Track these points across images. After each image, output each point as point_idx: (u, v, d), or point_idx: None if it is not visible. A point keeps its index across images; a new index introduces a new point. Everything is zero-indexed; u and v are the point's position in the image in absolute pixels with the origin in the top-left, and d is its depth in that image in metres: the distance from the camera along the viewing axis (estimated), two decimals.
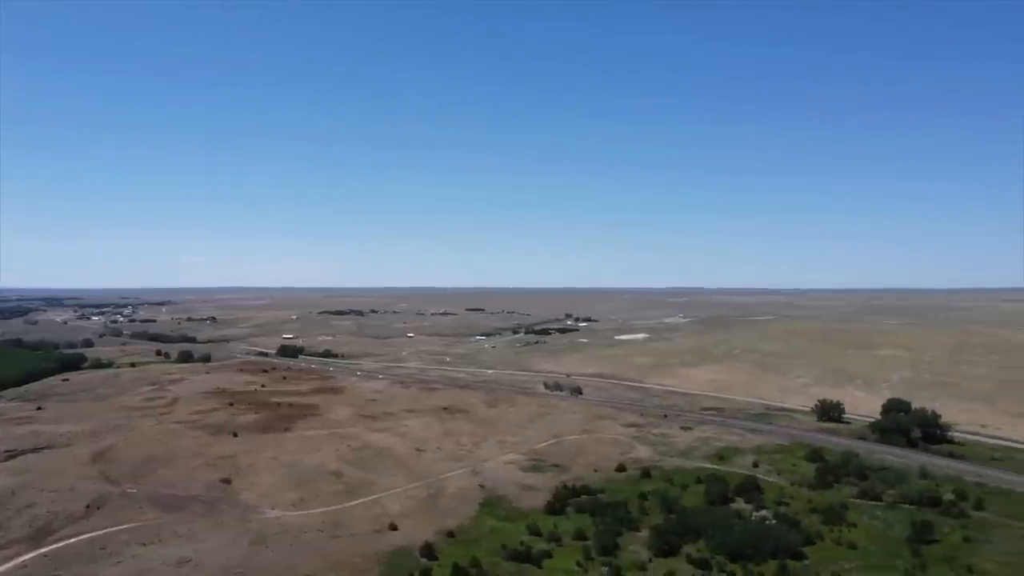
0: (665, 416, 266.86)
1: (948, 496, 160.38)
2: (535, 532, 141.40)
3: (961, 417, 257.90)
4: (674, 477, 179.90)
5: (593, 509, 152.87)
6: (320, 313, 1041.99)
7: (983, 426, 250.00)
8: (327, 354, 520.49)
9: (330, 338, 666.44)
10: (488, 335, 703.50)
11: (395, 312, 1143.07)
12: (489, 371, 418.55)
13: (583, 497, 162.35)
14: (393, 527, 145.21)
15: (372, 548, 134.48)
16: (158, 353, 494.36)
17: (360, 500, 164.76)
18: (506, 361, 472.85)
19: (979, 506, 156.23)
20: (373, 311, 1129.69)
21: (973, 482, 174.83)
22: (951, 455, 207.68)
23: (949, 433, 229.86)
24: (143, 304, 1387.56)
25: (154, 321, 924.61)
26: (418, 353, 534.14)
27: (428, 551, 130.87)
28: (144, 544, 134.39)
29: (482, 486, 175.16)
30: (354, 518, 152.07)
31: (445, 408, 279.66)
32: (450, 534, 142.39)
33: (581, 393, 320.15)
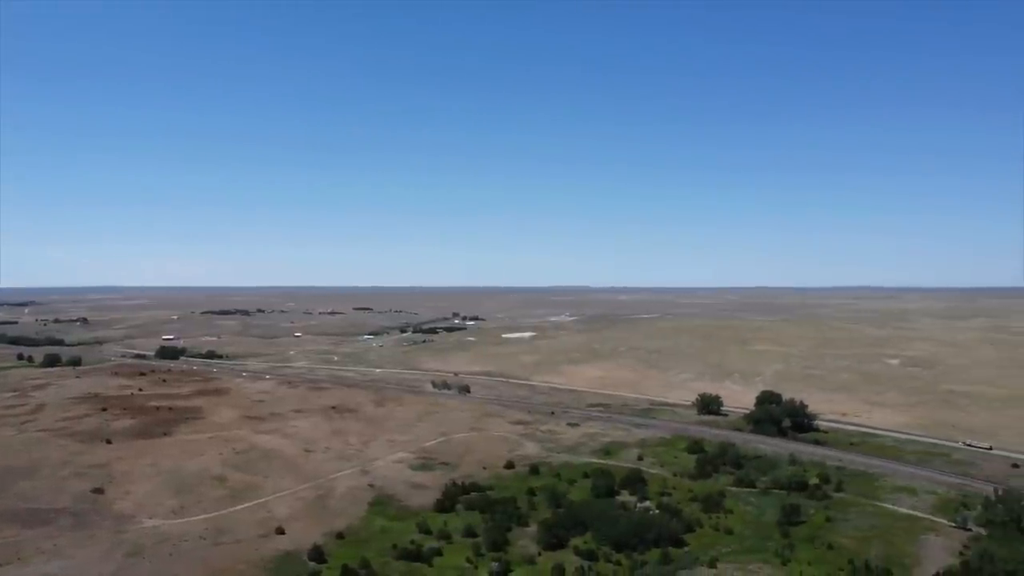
0: (552, 413, 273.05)
1: (813, 480, 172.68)
2: (425, 530, 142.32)
3: (825, 406, 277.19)
4: (562, 472, 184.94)
5: (482, 506, 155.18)
6: (203, 313, 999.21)
7: (843, 414, 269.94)
8: (211, 355, 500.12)
9: (214, 339, 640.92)
10: (376, 334, 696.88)
11: (282, 311, 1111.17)
12: (377, 370, 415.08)
13: (472, 494, 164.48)
14: (280, 531, 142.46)
15: (258, 553, 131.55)
16: (20, 357, 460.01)
17: (245, 504, 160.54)
18: (394, 360, 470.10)
19: (839, 488, 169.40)
20: (260, 310, 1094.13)
21: (835, 466, 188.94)
22: (816, 442, 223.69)
23: (815, 422, 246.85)
24: (0, 305, 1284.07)
25: (15, 323, 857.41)
26: (305, 352, 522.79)
27: (317, 554, 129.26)
28: None
29: (372, 485, 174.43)
30: (239, 523, 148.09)
31: (334, 407, 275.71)
32: (339, 535, 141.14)
33: (469, 391, 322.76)
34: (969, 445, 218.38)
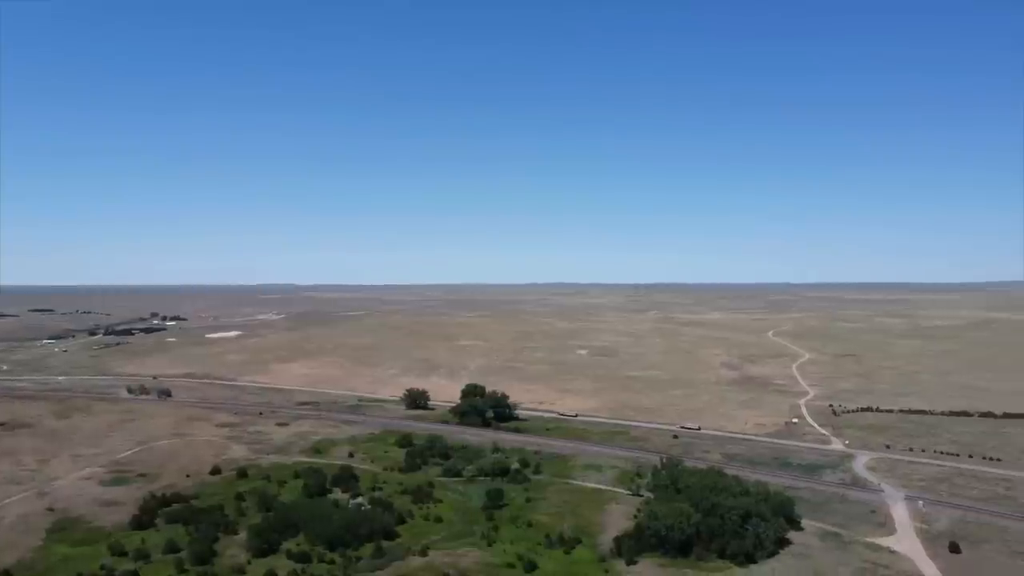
0: (261, 413, 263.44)
1: (515, 465, 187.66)
2: (119, 552, 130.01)
3: (525, 396, 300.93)
4: (272, 474, 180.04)
5: (186, 517, 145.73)
6: None
7: (540, 402, 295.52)
8: None
9: None
10: (59, 338, 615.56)
11: None
12: (60, 378, 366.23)
13: (175, 506, 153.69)
14: None
15: None
16: None
17: None
18: (81, 365, 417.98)
19: (537, 470, 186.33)
20: None
21: (533, 451, 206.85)
22: (517, 430, 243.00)
23: (516, 411, 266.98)
24: None
25: None
26: None
27: None
28: None
29: (51, 509, 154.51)
30: None
31: (2, 424, 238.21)
32: (6, 573, 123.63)
33: (170, 395, 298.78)
34: (684, 428, 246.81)
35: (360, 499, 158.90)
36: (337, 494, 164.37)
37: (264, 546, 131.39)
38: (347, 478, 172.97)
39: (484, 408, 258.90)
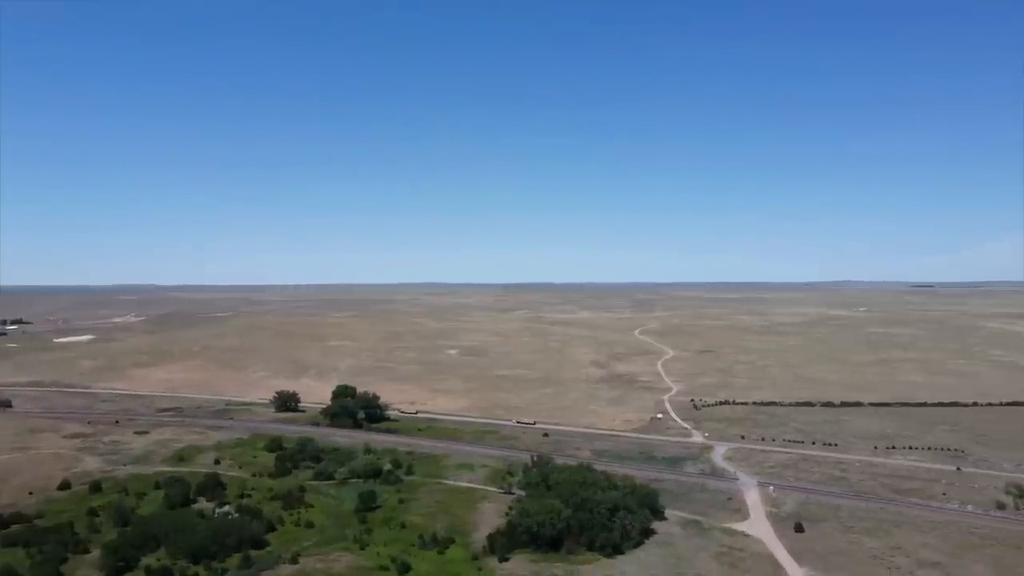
0: (117, 422, 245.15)
1: (387, 466, 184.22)
2: None
3: (397, 396, 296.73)
4: (129, 486, 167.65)
5: (28, 539, 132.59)
6: None
7: (412, 402, 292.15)
8: None
9: None
10: None
11: None
12: None
13: (14, 527, 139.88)
14: None
15: None
16: None
17: None
18: None
19: (410, 471, 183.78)
20: None
21: (405, 451, 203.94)
22: (389, 430, 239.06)
23: (388, 411, 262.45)
24: None
25: None
26: None
27: None
28: None
29: None
30: None
31: None
32: None
33: (11, 406, 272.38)
34: (520, 423, 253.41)
35: (227, 507, 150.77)
36: (202, 504, 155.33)
37: (120, 564, 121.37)
38: (213, 486, 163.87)
39: (355, 409, 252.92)
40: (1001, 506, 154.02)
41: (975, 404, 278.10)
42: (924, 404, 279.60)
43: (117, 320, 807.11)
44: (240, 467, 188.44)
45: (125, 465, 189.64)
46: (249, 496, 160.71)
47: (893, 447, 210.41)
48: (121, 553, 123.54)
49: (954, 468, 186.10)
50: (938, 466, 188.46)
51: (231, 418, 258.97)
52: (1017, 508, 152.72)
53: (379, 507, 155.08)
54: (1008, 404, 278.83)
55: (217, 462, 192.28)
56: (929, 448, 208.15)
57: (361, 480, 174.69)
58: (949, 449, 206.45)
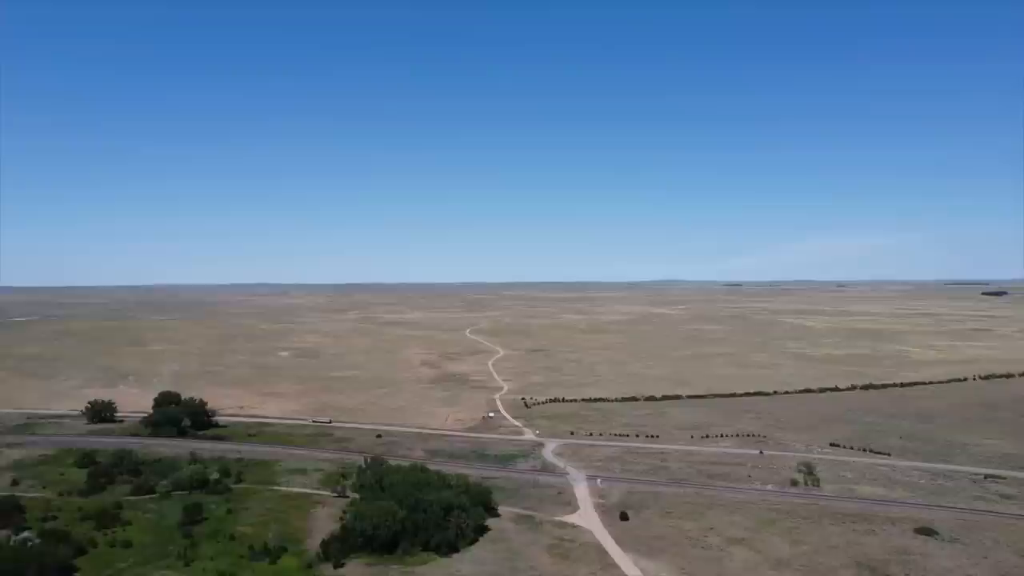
0: None
1: (215, 476, 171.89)
2: None
3: (226, 401, 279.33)
4: None
5: None
6: None
7: (242, 407, 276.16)
8: None
9: None
10: None
11: None
12: None
13: None
14: None
15: None
16: None
17: None
18: None
19: (240, 479, 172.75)
20: None
21: (235, 458, 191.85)
22: (218, 437, 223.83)
23: (216, 417, 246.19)
24: None
25: None
26: None
27: None
28: None
29: None
30: None
31: None
32: None
33: None
34: (315, 422, 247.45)
35: (27, 533, 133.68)
36: None
37: None
38: (10, 511, 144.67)
39: (180, 417, 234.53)
40: (794, 483, 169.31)
41: (775, 393, 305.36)
42: (734, 395, 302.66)
43: None
44: (44, 487, 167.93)
45: None
46: (55, 518, 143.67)
47: (707, 436, 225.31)
48: None
49: (757, 452, 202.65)
50: (744, 451, 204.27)
51: (33, 433, 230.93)
52: (807, 484, 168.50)
53: (206, 519, 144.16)
54: (801, 391, 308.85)
55: (15, 483, 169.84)
56: (737, 435, 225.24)
57: (186, 492, 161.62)
58: (753, 435, 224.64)
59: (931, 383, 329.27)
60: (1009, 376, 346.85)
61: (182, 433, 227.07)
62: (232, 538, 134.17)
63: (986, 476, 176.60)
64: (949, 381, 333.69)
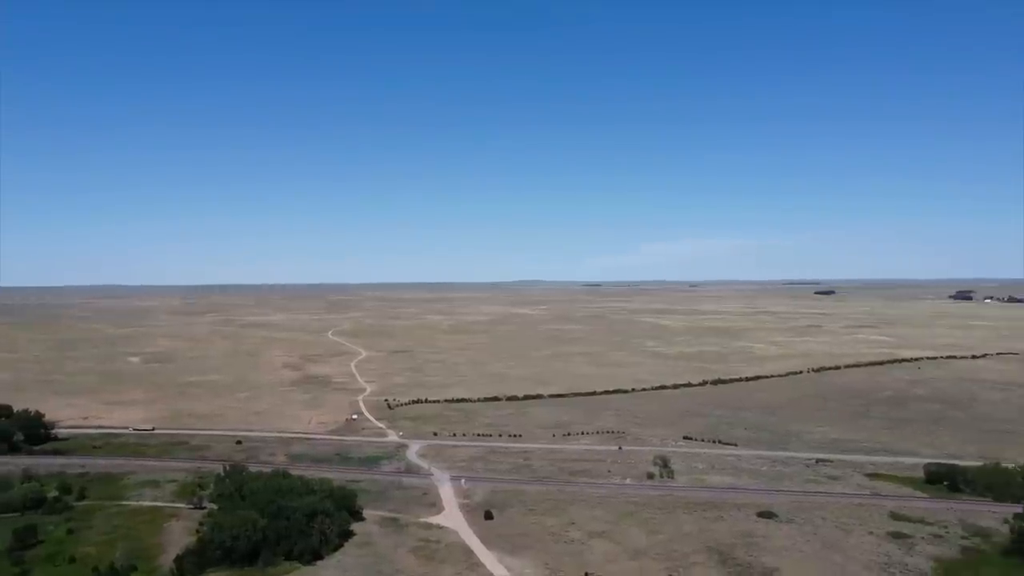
0: None
1: (53, 493, 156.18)
2: None
3: (66, 412, 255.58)
4: None
5: None
6: None
7: (85, 418, 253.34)
8: None
9: None
10: None
11: None
12: None
13: None
14: None
15: None
16: None
17: None
18: None
19: (82, 495, 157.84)
20: None
21: (77, 473, 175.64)
22: (57, 451, 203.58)
23: (54, 430, 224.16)
24: None
25: None
26: None
27: None
28: None
29: None
30: None
31: None
32: None
33: None
34: (136, 430, 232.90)
35: None
36: None
37: None
38: None
39: (12, 431, 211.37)
40: (651, 476, 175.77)
41: (633, 390, 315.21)
42: (594, 393, 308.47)
43: None
44: None
45: None
46: None
47: (569, 434, 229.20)
48: None
49: (616, 448, 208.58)
50: (604, 447, 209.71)
51: None
52: (662, 477, 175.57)
53: (42, 542, 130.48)
54: (657, 388, 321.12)
55: None
56: (598, 432, 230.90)
57: (18, 513, 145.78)
58: (613, 432, 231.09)
59: (772, 376, 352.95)
60: (837, 368, 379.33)
61: (14, 449, 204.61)
62: (73, 560, 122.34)
63: (817, 460, 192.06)
64: (787, 375, 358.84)
